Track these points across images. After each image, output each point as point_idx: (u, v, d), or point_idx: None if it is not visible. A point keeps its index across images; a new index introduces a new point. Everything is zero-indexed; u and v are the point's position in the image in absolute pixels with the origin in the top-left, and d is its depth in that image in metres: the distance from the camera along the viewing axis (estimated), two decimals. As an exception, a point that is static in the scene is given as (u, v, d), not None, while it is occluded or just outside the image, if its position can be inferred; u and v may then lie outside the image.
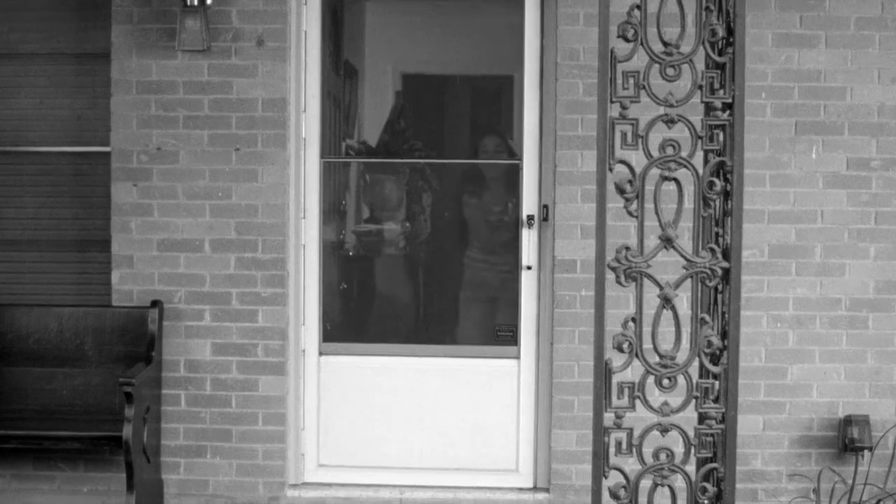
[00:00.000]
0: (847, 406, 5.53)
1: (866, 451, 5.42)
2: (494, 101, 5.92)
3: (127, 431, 5.05)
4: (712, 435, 3.36)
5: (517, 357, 5.71)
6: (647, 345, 3.31)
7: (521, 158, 5.64)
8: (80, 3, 5.82)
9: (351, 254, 5.91)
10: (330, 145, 5.75)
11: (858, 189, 5.49)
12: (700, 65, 3.31)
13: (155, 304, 5.53)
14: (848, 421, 5.44)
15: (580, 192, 5.49)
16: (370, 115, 5.99)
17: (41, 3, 5.85)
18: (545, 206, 5.60)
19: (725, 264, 3.31)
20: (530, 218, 5.63)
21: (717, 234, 3.38)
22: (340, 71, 5.87)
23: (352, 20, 5.93)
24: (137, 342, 5.55)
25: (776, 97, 5.46)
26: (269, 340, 5.60)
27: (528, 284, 5.68)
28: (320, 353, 5.76)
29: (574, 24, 5.44)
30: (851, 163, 5.49)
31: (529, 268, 5.66)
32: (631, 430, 3.34)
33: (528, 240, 5.65)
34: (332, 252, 5.82)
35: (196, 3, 5.36)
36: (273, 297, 5.59)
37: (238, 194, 5.58)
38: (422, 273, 5.90)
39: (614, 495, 3.37)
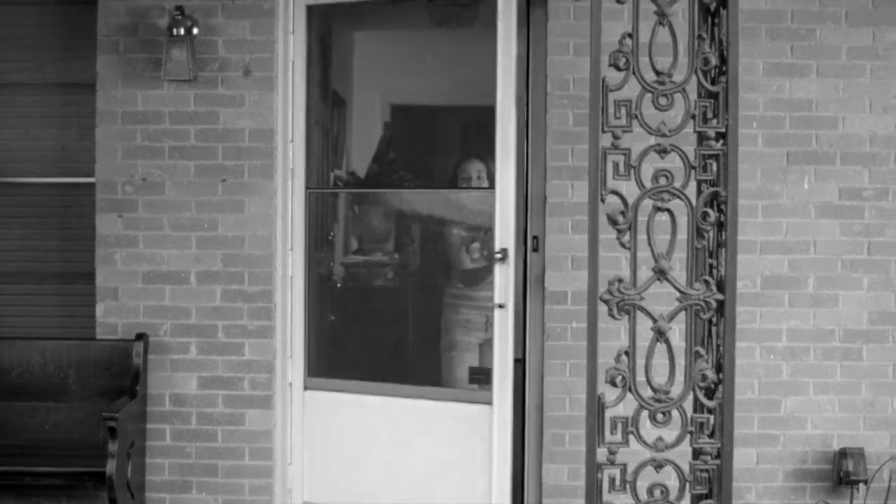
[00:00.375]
0: (842, 439, 5.47)
1: (861, 485, 5.37)
2: (484, 132, 5.86)
3: (110, 467, 4.97)
4: (707, 470, 3.31)
5: (490, 403, 5.25)
6: (641, 378, 3.26)
7: (493, 188, 5.19)
8: (66, 34, 5.78)
9: (339, 286, 5.84)
10: (317, 175, 5.70)
11: (851, 219, 5.46)
12: (693, 94, 3.27)
13: (140, 337, 5.46)
14: (843, 454, 5.39)
15: (571, 222, 5.44)
16: (358, 146, 5.94)
17: (27, 33, 5.81)
18: (535, 237, 5.53)
19: (720, 296, 3.25)
20: (503, 252, 5.17)
21: (710, 265, 3.34)
22: (328, 101, 5.82)
23: (340, 50, 5.90)
24: (122, 376, 5.47)
25: (768, 127, 5.43)
26: (256, 374, 5.53)
27: (501, 324, 5.22)
28: (305, 388, 5.68)
29: (564, 53, 5.42)
30: (844, 192, 5.46)
31: (502, 306, 5.20)
32: (625, 465, 3.29)
33: (501, 275, 5.21)
34: (317, 284, 5.74)
35: (182, 32, 5.32)
36: (260, 330, 5.53)
37: (224, 226, 5.52)
38: (408, 308, 5.83)
39: (608, 533, 3.32)
